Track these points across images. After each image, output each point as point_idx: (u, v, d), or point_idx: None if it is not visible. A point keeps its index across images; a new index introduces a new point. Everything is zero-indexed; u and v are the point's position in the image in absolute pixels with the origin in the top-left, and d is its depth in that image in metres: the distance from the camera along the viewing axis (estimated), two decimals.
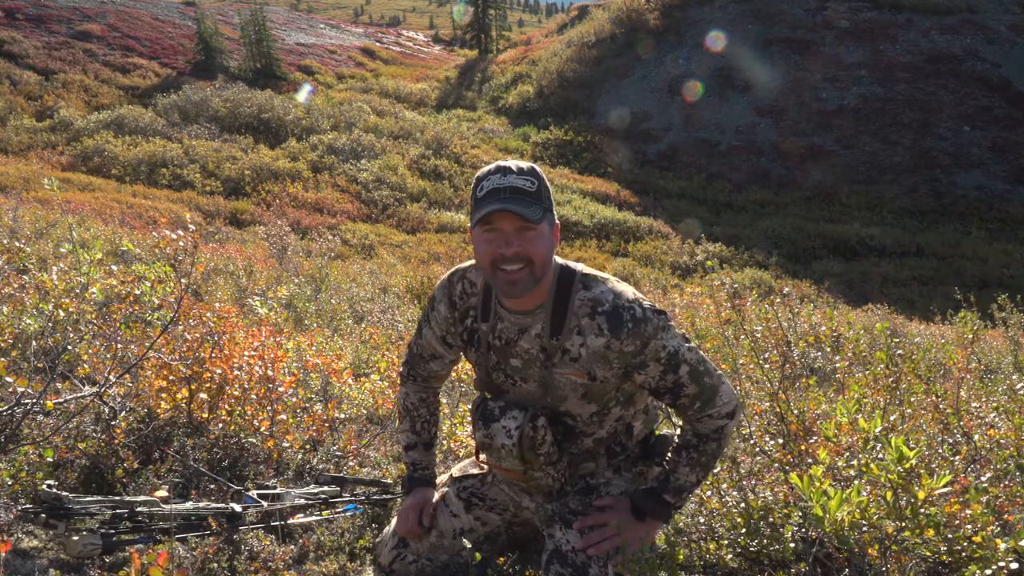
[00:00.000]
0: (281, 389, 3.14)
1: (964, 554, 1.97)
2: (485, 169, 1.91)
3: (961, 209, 22.85)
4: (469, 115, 29.77)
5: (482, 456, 2.17)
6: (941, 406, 2.78)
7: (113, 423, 2.72)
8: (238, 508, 2.36)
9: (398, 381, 3.75)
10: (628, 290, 1.96)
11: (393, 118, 26.80)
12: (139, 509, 2.22)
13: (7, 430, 2.50)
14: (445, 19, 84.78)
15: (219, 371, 2.99)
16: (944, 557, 2.02)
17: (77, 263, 3.89)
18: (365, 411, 3.66)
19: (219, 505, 2.36)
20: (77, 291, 3.12)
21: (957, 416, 2.73)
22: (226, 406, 3.02)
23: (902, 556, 2.00)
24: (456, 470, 2.40)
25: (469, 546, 1.97)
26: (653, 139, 27.38)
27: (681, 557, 2.15)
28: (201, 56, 30.52)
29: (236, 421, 2.96)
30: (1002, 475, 2.38)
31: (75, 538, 2.06)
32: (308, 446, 3.08)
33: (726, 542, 2.27)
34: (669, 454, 2.14)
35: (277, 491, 2.56)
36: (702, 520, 2.39)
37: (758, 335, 3.02)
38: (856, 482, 2.02)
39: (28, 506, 2.17)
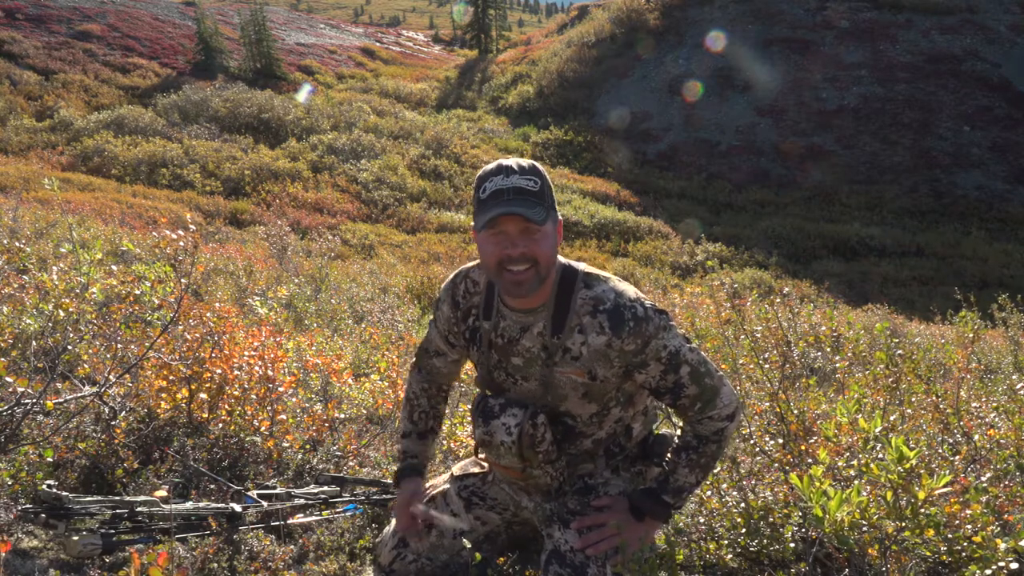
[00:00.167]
0: (281, 389, 3.14)
1: (964, 554, 1.97)
2: (487, 169, 1.90)
3: (961, 209, 22.86)
4: (469, 115, 29.77)
5: (482, 454, 2.18)
6: (941, 406, 2.78)
7: (113, 423, 2.72)
8: (238, 508, 2.36)
9: (398, 381, 3.79)
10: (630, 289, 1.96)
11: (393, 118, 26.80)
12: (139, 509, 2.22)
13: (7, 430, 2.50)
14: (445, 19, 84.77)
15: (219, 371, 2.99)
16: (944, 557, 2.02)
17: (77, 263, 3.88)
18: (365, 411, 3.66)
19: (219, 505, 2.37)
20: (77, 291, 3.12)
21: (957, 416, 2.73)
22: (226, 406, 3.02)
23: (902, 556, 2.00)
24: (457, 469, 2.40)
25: (469, 546, 1.98)
26: (653, 139, 27.37)
27: (681, 557, 2.15)
28: (201, 56, 30.52)
29: (236, 421, 2.96)
30: (1002, 475, 2.38)
31: (75, 538, 2.06)
32: (308, 446, 3.09)
33: (726, 542, 2.27)
34: (669, 455, 2.14)
35: (277, 491, 2.56)
36: (702, 520, 2.40)
37: (758, 335, 3.02)
38: (856, 482, 2.02)
39: (28, 506, 2.17)
